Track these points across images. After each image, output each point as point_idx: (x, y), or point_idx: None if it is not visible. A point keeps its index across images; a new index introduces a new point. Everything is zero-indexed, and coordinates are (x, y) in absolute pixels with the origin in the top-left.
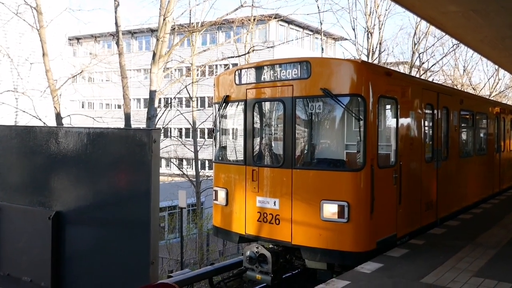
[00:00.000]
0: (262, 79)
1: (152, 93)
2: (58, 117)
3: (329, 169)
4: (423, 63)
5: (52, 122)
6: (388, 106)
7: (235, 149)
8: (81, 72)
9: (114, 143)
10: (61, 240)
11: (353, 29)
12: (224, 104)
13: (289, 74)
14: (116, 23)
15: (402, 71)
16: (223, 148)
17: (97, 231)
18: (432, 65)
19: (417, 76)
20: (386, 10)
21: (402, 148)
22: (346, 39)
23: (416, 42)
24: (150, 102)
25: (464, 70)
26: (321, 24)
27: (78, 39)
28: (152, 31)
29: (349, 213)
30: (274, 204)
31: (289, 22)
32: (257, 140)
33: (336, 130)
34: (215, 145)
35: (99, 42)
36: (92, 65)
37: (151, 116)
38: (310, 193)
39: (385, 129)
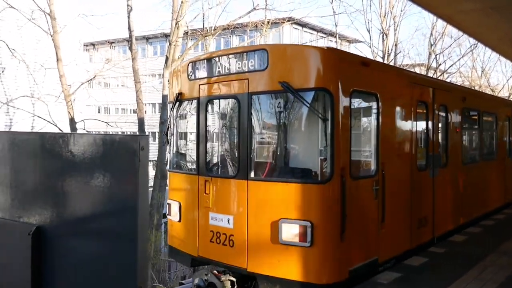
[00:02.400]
0: (216, 72)
1: (165, 98)
2: (72, 122)
3: (289, 181)
4: (440, 64)
5: (67, 127)
6: (366, 103)
7: (189, 156)
8: (94, 77)
9: (99, 150)
10: (42, 258)
11: (368, 31)
12: (177, 103)
13: (244, 65)
14: (129, 28)
15: (418, 73)
16: (177, 155)
17: (80, 250)
18: (449, 67)
19: (435, 77)
20: (401, 11)
21: (385, 154)
22: (360, 41)
23: (432, 43)
24: (163, 107)
25: (482, 71)
26: (336, 26)
27: (93, 45)
28: (166, 36)
29: (313, 235)
30: (228, 222)
31: (303, 25)
32: (210, 146)
33: (299, 133)
34: (169, 151)
35: (114, 48)
36: (105, 70)
37: (164, 121)
38: (268, 209)
39: (362, 131)
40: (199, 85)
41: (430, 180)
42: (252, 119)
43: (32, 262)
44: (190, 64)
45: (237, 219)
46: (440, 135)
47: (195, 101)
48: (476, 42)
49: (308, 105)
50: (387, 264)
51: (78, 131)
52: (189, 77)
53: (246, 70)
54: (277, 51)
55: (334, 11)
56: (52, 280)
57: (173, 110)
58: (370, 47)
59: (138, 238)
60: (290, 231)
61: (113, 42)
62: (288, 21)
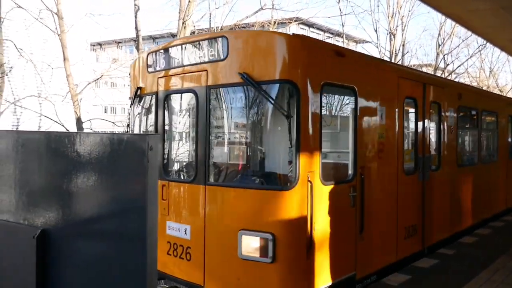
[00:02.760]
0: (175, 64)
1: None
2: (79, 121)
3: (250, 186)
4: (448, 64)
5: (73, 127)
6: (341, 98)
7: None
8: (100, 77)
9: (106, 149)
10: (47, 262)
11: (375, 31)
12: (137, 98)
13: (204, 55)
14: (136, 28)
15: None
16: None
17: (86, 253)
18: (457, 67)
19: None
20: (409, 11)
21: (365, 156)
22: (368, 41)
23: (440, 44)
24: None
25: (490, 72)
26: (343, 26)
27: (100, 44)
28: (173, 36)
29: (275, 250)
30: (185, 233)
31: (310, 25)
32: (169, 146)
33: (263, 132)
34: None
35: (121, 47)
36: (112, 70)
37: None
38: (227, 219)
39: (339, 130)
40: (158, 78)
41: (419, 185)
42: (211, 116)
43: (37, 266)
44: (150, 55)
45: (195, 229)
46: (431, 136)
47: (154, 96)
48: (485, 42)
49: (271, 99)
50: (367, 281)
51: (85, 131)
52: (148, 69)
53: (205, 61)
54: (238, 38)
55: (341, 11)
56: (57, 285)
57: (132, 107)
58: (377, 47)
59: (147, 240)
60: (250, 245)
61: (120, 42)
62: (295, 21)
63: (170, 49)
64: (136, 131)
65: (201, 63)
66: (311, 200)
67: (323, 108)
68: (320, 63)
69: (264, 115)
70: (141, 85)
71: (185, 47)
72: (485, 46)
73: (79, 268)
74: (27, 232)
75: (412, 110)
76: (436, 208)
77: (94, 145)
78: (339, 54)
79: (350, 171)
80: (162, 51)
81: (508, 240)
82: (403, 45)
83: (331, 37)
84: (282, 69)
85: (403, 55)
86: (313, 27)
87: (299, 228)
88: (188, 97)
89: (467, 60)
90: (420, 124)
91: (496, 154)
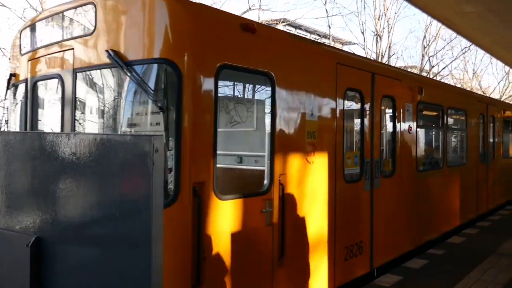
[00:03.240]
0: (44, 42)
1: None
2: None
3: None
4: (433, 66)
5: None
6: (252, 87)
7: None
8: None
9: (107, 151)
10: (42, 272)
11: (362, 33)
12: (12, 87)
13: (70, 30)
14: None
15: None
16: None
17: (84, 263)
18: (442, 69)
19: None
20: (396, 13)
21: (287, 160)
22: (354, 43)
23: (425, 46)
24: None
25: (474, 74)
26: (329, 27)
27: None
28: None
29: None
30: None
31: (297, 26)
32: None
33: (140, 130)
34: None
35: None
36: None
37: None
38: None
39: (253, 127)
40: (28, 61)
41: (366, 194)
42: (78, 109)
43: (31, 277)
44: (23, 32)
45: None
46: (383, 136)
47: (25, 85)
48: (469, 44)
49: (144, 86)
50: None
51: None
52: (21, 51)
53: (71, 37)
54: (109, 5)
55: (327, 12)
56: None
57: (6, 98)
58: (364, 49)
59: (152, 247)
60: None
61: None
62: (282, 22)
63: (37, 24)
64: (17, 128)
65: (66, 39)
66: (199, 221)
67: (226, 99)
68: (216, 40)
69: (141, 108)
70: (14, 71)
71: (52, 21)
72: (469, 49)
73: (76, 278)
74: (20, 240)
75: (356, 104)
76: (390, 221)
77: (93, 146)
78: (248, 29)
79: (265, 181)
80: (30, 27)
81: (495, 239)
82: (390, 47)
83: (318, 39)
84: (161, 46)
85: (389, 57)
86: (301, 29)
87: (180, 258)
88: (56, 85)
89: (451, 62)
90: (367, 121)
91: (465, 156)
